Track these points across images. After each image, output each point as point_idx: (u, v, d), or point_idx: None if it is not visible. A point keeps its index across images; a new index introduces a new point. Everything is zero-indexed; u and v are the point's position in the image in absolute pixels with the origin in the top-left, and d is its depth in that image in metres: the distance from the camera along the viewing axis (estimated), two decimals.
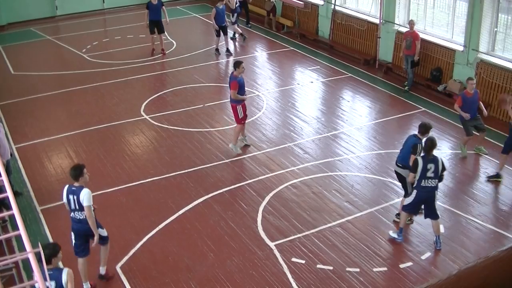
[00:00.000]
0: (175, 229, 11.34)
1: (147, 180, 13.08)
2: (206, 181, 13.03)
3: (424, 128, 11.03)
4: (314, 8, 22.95)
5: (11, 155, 13.07)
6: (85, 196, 9.16)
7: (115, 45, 22.43)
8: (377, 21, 19.83)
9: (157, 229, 11.28)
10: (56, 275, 7.79)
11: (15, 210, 6.89)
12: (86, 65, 20.43)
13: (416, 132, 11.17)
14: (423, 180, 10.29)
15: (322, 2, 22.55)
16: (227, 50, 21.52)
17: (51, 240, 11.09)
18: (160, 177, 13.21)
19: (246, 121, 14.55)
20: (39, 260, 5.83)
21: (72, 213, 9.41)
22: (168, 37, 23.23)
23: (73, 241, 9.61)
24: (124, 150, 14.50)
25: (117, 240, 11.01)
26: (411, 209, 10.73)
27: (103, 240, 9.58)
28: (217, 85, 18.61)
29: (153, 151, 14.54)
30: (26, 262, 8.52)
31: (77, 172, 9.39)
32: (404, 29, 18.54)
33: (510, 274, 2.49)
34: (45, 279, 7.71)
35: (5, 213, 7.90)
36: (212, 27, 21.73)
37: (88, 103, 17.27)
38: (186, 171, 13.44)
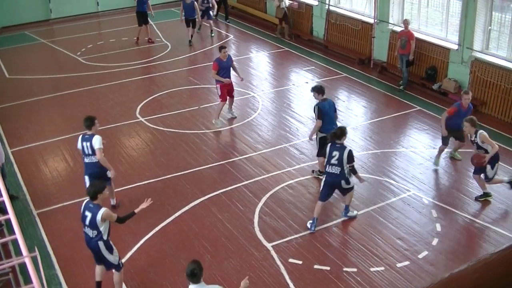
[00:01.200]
0: (171, 231, 11.33)
1: (143, 183, 13.07)
2: (202, 182, 13.03)
3: (319, 90, 12.48)
4: (308, 9, 22.99)
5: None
6: (96, 140, 10.94)
7: (110, 48, 22.42)
8: (371, 20, 19.86)
9: (153, 231, 11.27)
10: (94, 210, 8.91)
11: (11, 214, 6.89)
12: (81, 68, 20.41)
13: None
14: (327, 166, 10.97)
15: (316, 3, 22.59)
16: (211, 31, 23.94)
17: (47, 243, 11.06)
18: (156, 179, 13.20)
19: (233, 101, 16.26)
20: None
21: (86, 158, 11.16)
22: (163, 39, 23.23)
23: (87, 185, 10.76)
24: (120, 152, 14.49)
25: (114, 242, 10.95)
26: (321, 197, 11.27)
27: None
28: (212, 87, 18.59)
29: (149, 153, 14.54)
30: (23, 266, 8.50)
31: (88, 122, 11.15)
32: (398, 29, 18.56)
33: (501, 277, 2.50)
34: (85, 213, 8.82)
35: (1, 217, 7.91)
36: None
37: (84, 106, 17.24)
38: (182, 173, 13.44)
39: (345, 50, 21.30)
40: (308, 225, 11.23)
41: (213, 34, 24.03)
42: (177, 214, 11.84)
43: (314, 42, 22.60)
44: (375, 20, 19.65)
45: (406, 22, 17.64)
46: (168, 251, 10.72)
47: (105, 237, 9.09)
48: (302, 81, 19.06)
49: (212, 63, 15.87)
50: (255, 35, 23.93)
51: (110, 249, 9.21)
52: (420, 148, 14.35)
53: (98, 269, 9.57)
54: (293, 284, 9.79)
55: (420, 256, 10.44)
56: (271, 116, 16.36)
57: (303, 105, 17.13)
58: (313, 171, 13.28)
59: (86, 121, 11.14)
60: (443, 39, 17.65)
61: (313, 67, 20.20)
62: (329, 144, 11.05)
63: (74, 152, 14.50)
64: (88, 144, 10.97)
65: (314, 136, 12.73)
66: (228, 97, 15.80)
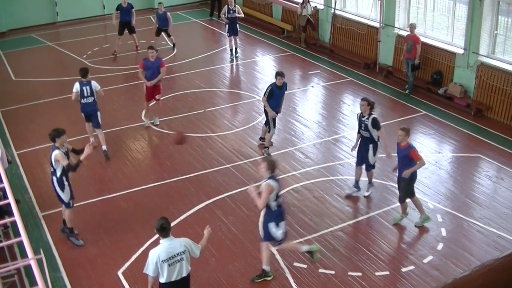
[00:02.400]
0: (176, 234, 11.13)
1: (148, 186, 13.08)
2: (207, 186, 13.04)
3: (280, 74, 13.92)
4: (314, 13, 22.97)
5: (10, 162, 13.10)
6: (96, 83, 13.85)
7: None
8: (377, 24, 19.85)
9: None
10: (52, 151, 10.67)
11: (16, 217, 6.91)
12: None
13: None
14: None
15: (322, 6, 22.58)
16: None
17: (52, 246, 11.08)
18: (161, 183, 13.21)
19: (153, 104, 16.32)
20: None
21: (82, 99, 13.68)
22: (169, 42, 23.25)
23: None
24: (125, 155, 14.51)
25: (119, 245, 11.02)
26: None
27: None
28: (217, 90, 18.63)
29: (154, 156, 14.56)
30: (28, 268, 8.52)
31: (84, 72, 13.80)
32: (404, 33, 18.55)
33: (504, 283, 2.49)
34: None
35: (7, 220, 7.92)
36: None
37: None
38: (187, 176, 13.44)
39: (350, 54, 21.29)
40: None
41: (237, 55, 21.78)
42: (182, 218, 11.85)
43: (320, 46, 22.59)
44: (381, 24, 19.64)
45: (412, 26, 17.63)
46: None
47: (58, 175, 10.71)
48: (308, 85, 19.06)
49: None
50: (261, 39, 23.93)
51: (61, 187, 10.77)
52: (425, 153, 14.31)
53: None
54: None
55: (425, 260, 10.42)
56: (277, 120, 16.30)
57: (309, 109, 17.13)
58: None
59: (82, 71, 13.84)
60: (449, 43, 17.63)
61: (319, 71, 20.20)
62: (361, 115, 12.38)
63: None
64: (88, 87, 13.69)
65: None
66: (155, 100, 15.96)
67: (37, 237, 11.33)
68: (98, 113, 13.99)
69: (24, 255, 9.86)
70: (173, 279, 8.09)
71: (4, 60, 21.86)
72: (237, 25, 21.33)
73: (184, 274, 8.18)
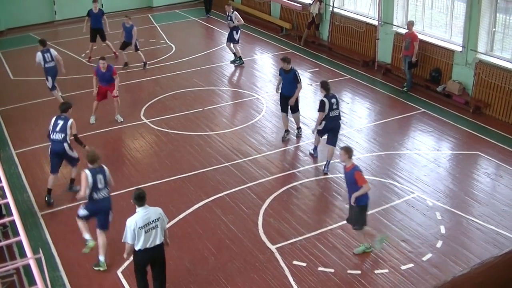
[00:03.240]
0: (175, 232, 11.33)
1: (147, 184, 13.08)
2: (206, 184, 13.04)
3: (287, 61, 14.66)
4: (320, 12, 22.93)
5: None
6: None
7: (114, 49, 22.41)
8: (375, 22, 19.86)
9: None
10: (65, 119, 12.07)
11: (15, 216, 6.91)
12: (85, 69, 20.43)
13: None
14: (330, 112, 13.01)
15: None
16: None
17: (51, 245, 11.08)
18: (160, 181, 13.22)
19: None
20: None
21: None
22: (167, 41, 23.26)
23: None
24: (124, 154, 14.52)
25: (118, 244, 10.99)
26: (319, 133, 13.52)
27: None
28: (216, 89, 18.63)
29: (153, 155, 14.55)
30: (27, 267, 8.52)
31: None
32: (402, 31, 18.56)
33: (504, 280, 2.49)
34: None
35: (6, 219, 7.93)
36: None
37: (88, 108, 17.23)
38: (186, 174, 13.45)
39: (349, 52, 21.29)
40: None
41: (237, 62, 20.93)
42: (181, 216, 11.85)
43: (319, 44, 22.58)
44: (379, 22, 19.64)
45: (409, 24, 17.65)
46: (172, 253, 10.70)
47: (68, 140, 12.04)
48: (306, 82, 19.05)
49: None
50: (259, 37, 23.93)
51: (72, 149, 12.23)
52: (424, 150, 14.34)
53: (51, 178, 12.37)
54: (297, 286, 9.79)
55: (424, 258, 10.43)
56: (276, 118, 16.35)
57: (307, 107, 17.12)
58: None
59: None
60: (447, 41, 17.64)
61: (317, 69, 20.20)
62: (325, 96, 13.18)
63: (78, 154, 14.52)
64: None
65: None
66: (113, 97, 16.15)
67: (36, 237, 11.33)
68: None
69: (23, 254, 9.86)
70: (148, 246, 8.71)
71: (2, 59, 21.85)
72: (234, 32, 20.53)
73: (158, 242, 8.80)
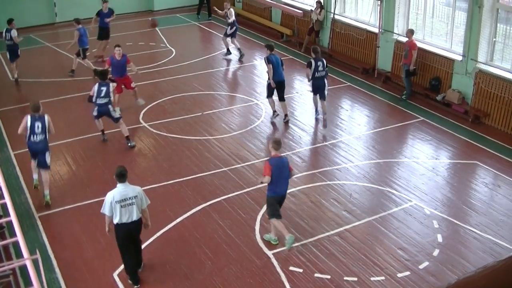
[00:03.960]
0: (173, 237, 11.32)
1: (145, 188, 12.94)
2: (204, 189, 13.03)
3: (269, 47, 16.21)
4: (319, 18, 22.98)
5: None
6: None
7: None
8: (376, 30, 19.89)
9: (154, 237, 11.25)
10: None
11: (12, 217, 6.89)
12: (85, 72, 20.40)
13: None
14: (315, 73, 15.84)
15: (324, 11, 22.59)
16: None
17: (48, 247, 11.06)
18: (158, 185, 13.20)
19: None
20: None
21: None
22: (167, 45, 23.28)
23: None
24: (122, 157, 14.49)
25: (115, 247, 10.97)
26: (313, 92, 16.38)
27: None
28: (215, 94, 18.63)
29: (151, 158, 14.54)
30: (24, 269, 8.50)
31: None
32: (403, 39, 18.58)
33: (508, 284, 2.49)
34: None
35: (3, 220, 7.91)
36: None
37: (87, 111, 17.20)
38: (184, 179, 13.44)
39: (349, 59, 21.31)
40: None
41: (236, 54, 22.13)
42: (178, 220, 11.83)
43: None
44: (380, 30, 19.67)
45: (408, 32, 17.70)
46: (169, 257, 10.70)
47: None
48: (306, 89, 19.06)
49: None
50: (260, 43, 23.92)
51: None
52: (422, 159, 14.34)
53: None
54: None
55: (421, 266, 10.41)
56: (275, 124, 16.35)
57: (306, 113, 17.14)
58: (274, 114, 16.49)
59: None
60: (447, 50, 17.66)
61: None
62: (313, 59, 15.90)
63: (76, 156, 14.55)
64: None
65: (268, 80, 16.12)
66: (128, 89, 16.92)
67: (33, 238, 11.30)
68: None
69: (19, 255, 9.83)
70: (124, 221, 9.41)
71: (2, 61, 21.82)
72: (228, 27, 21.76)
73: (135, 218, 9.50)
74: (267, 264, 10.45)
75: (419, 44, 17.82)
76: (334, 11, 21.82)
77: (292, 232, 11.32)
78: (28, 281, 9.22)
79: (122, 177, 9.59)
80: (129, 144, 14.90)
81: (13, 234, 9.61)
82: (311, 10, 22.48)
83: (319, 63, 15.79)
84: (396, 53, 19.17)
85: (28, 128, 12.08)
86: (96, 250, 10.97)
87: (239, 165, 14.00)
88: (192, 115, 16.81)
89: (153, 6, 28.91)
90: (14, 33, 19.07)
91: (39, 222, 11.90)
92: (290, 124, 16.28)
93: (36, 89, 19.11)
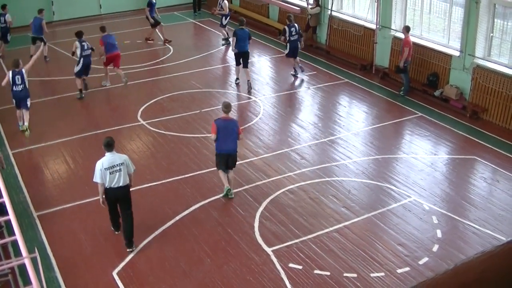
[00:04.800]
0: (172, 234, 11.32)
1: (143, 186, 13.06)
2: (203, 186, 13.02)
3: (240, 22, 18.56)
4: (314, 14, 22.96)
5: (3, 167, 13.15)
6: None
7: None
8: (373, 26, 19.87)
9: (153, 234, 11.26)
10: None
11: (11, 216, 6.89)
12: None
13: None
14: (289, 37, 18.85)
15: (319, 8, 22.58)
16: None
17: (47, 246, 11.05)
18: (156, 183, 13.20)
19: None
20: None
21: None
22: (165, 43, 23.25)
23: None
24: None
25: (114, 245, 11.00)
26: (289, 55, 19.45)
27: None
28: (213, 91, 18.62)
29: (150, 156, 14.53)
30: (22, 267, 8.49)
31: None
32: (400, 35, 18.55)
33: (506, 269, 2.50)
34: None
35: (2, 219, 7.90)
36: None
37: (85, 109, 17.28)
38: (183, 176, 13.43)
39: (347, 56, 21.30)
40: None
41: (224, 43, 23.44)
42: (177, 218, 11.83)
43: (316, 47, 22.59)
44: (377, 26, 19.66)
45: (403, 29, 17.70)
46: (168, 255, 10.70)
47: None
48: (304, 86, 19.07)
49: None
50: (257, 40, 23.90)
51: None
52: (421, 154, 14.35)
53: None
54: None
55: (420, 262, 10.42)
56: (272, 121, 16.36)
57: (305, 110, 17.15)
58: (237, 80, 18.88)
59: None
60: (445, 45, 17.66)
61: (315, 72, 20.21)
62: (287, 26, 19.04)
63: (75, 154, 14.53)
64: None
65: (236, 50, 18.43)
66: (113, 66, 18.68)
67: (31, 237, 11.29)
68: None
69: (18, 254, 9.82)
70: (113, 186, 10.33)
71: (0, 60, 21.78)
72: (223, 18, 23.33)
73: (122, 184, 10.40)
74: (266, 261, 10.45)
75: (416, 40, 17.83)
76: (332, 8, 21.79)
77: (291, 229, 11.34)
78: (27, 280, 9.21)
79: (109, 146, 10.45)
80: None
81: (11, 233, 9.61)
82: (308, 5, 22.42)
83: (292, 28, 18.97)
84: (394, 49, 19.17)
85: (11, 81, 15.00)
86: (95, 248, 10.97)
87: (237, 163, 13.97)
88: (190, 113, 16.80)
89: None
90: (8, 17, 21.49)
91: (37, 221, 11.89)
92: (288, 121, 16.29)
93: (33, 88, 19.02)
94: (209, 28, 25.87)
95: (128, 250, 10.71)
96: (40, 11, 21.49)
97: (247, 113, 16.89)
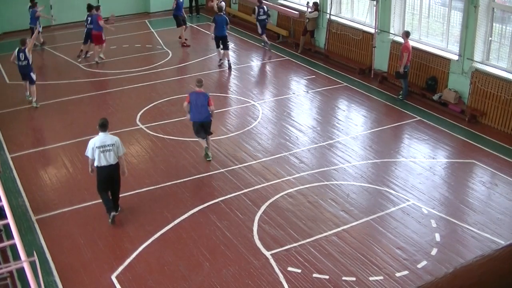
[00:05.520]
0: (170, 238, 11.31)
1: (142, 190, 13.06)
2: (201, 190, 13.02)
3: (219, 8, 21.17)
4: (313, 17, 22.98)
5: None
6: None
7: (111, 55, 22.41)
8: (372, 30, 19.90)
9: (152, 238, 11.25)
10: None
11: (10, 220, 6.88)
12: (81, 74, 20.43)
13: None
14: (258, 17, 22.40)
15: (317, 12, 22.59)
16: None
17: (46, 250, 11.04)
18: (155, 187, 13.19)
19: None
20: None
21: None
22: (164, 47, 23.29)
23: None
24: None
25: (113, 249, 11.00)
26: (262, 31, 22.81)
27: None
28: (212, 95, 18.59)
29: (148, 160, 14.53)
30: (21, 271, 8.48)
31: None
32: (399, 39, 18.58)
33: (505, 272, 2.50)
34: None
35: (0, 222, 7.89)
36: None
37: (84, 113, 17.27)
38: (182, 180, 13.43)
39: (345, 60, 21.32)
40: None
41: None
42: (176, 222, 11.82)
43: (315, 51, 22.62)
44: (376, 30, 19.69)
45: (402, 34, 17.73)
46: (167, 259, 10.69)
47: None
48: (302, 90, 19.09)
49: None
50: (256, 44, 23.96)
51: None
52: (420, 158, 14.36)
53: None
54: None
55: (419, 266, 10.42)
56: (271, 125, 16.37)
57: (303, 114, 17.15)
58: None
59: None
60: (443, 49, 17.69)
61: (314, 76, 20.23)
62: (257, 6, 22.43)
63: (73, 158, 14.52)
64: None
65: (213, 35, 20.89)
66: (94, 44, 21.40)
67: (30, 241, 11.28)
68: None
69: (17, 258, 9.81)
70: (103, 164, 11.24)
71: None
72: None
73: (112, 162, 11.31)
74: (265, 265, 10.45)
75: (415, 44, 17.86)
76: (330, 12, 21.83)
77: (290, 233, 11.34)
78: (25, 284, 9.19)
79: (103, 127, 11.41)
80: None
81: (10, 236, 9.60)
82: (308, 8, 22.42)
83: (261, 9, 22.38)
84: (393, 53, 19.19)
85: (16, 57, 17.40)
86: (94, 252, 10.95)
87: (236, 166, 14.00)
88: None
89: (150, 8, 28.90)
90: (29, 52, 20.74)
91: (36, 225, 11.88)
92: (287, 125, 16.28)
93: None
94: (207, 32, 25.84)
95: (113, 213, 11.67)
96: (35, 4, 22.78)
97: (246, 117, 16.90)
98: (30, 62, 17.59)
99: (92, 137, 11.60)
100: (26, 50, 17.38)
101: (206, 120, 14.07)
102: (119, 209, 11.97)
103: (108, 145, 11.23)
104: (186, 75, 20.40)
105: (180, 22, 23.81)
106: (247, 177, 13.52)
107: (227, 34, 20.89)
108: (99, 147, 11.21)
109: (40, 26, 22.78)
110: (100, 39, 21.35)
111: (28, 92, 18.08)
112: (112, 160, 11.29)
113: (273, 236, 11.27)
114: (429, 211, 12.07)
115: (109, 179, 11.48)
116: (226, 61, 20.97)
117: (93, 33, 21.26)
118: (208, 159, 14.23)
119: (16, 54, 17.46)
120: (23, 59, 17.45)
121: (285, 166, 14.01)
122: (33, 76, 17.70)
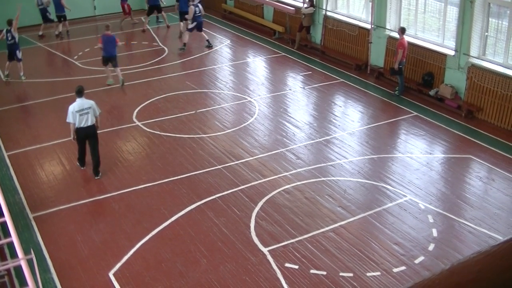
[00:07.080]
0: (168, 235, 11.31)
1: (139, 187, 13.05)
2: (198, 187, 13.02)
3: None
4: (309, 13, 22.97)
5: None
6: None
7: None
8: (368, 26, 19.89)
9: (150, 235, 11.25)
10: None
11: (7, 217, 6.88)
12: (78, 71, 20.40)
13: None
14: (199, 14, 22.55)
15: (313, 8, 22.59)
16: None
17: (43, 247, 11.03)
18: (152, 184, 13.19)
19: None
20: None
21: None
22: (160, 44, 23.25)
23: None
24: (116, 156, 14.47)
25: (110, 246, 10.99)
26: (191, 30, 22.46)
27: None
28: (209, 91, 18.62)
29: (145, 157, 14.52)
30: (18, 269, 8.48)
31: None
32: (395, 34, 18.58)
33: (502, 269, 2.50)
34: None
35: None
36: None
37: None
38: (179, 177, 13.42)
39: (342, 56, 21.32)
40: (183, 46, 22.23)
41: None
42: (173, 219, 11.82)
43: (311, 47, 22.62)
44: (372, 26, 19.68)
45: (398, 30, 17.74)
46: (164, 256, 10.69)
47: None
48: (299, 86, 19.08)
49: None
50: (252, 40, 23.96)
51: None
52: (416, 154, 14.37)
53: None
54: None
55: (416, 261, 10.44)
56: (268, 121, 16.37)
57: (300, 110, 17.15)
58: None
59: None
60: (440, 45, 17.69)
61: (310, 73, 20.23)
62: (192, 5, 22.12)
63: (70, 156, 14.49)
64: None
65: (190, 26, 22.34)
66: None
67: (27, 239, 11.27)
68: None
69: (14, 256, 9.80)
70: (82, 125, 12.79)
71: None
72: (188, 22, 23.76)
73: (90, 123, 12.89)
74: (262, 261, 10.46)
75: (411, 40, 17.86)
76: (326, 8, 21.81)
77: (287, 229, 11.35)
78: (23, 282, 9.19)
79: (79, 93, 12.91)
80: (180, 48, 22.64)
81: (7, 234, 9.59)
82: (304, 3, 22.40)
83: (197, 8, 22.38)
84: (389, 49, 19.19)
85: (5, 36, 18.90)
86: (91, 249, 10.95)
87: (233, 163, 14.00)
88: (186, 113, 16.80)
89: (146, 5, 28.83)
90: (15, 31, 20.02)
91: (33, 223, 11.86)
92: (283, 121, 16.28)
93: (29, 89, 19.07)
94: (204, 29, 25.82)
95: (95, 178, 13.32)
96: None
97: (242, 113, 16.89)
98: (17, 41, 19.14)
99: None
100: (12, 29, 18.89)
101: (112, 54, 18.66)
102: (100, 174, 13.42)
103: (85, 108, 12.78)
104: (183, 71, 20.37)
105: (152, 11, 25.45)
106: (244, 173, 13.52)
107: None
108: (78, 111, 12.70)
109: (50, 15, 24.79)
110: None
111: (7, 71, 19.63)
112: (90, 121, 12.88)
113: (270, 232, 11.28)
114: (426, 207, 12.09)
115: (87, 137, 13.12)
116: (206, 40, 22.99)
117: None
118: (109, 82, 18.90)
119: (5, 34, 19.10)
120: (10, 38, 19.02)
121: (282, 162, 14.02)
122: (19, 54, 19.27)
